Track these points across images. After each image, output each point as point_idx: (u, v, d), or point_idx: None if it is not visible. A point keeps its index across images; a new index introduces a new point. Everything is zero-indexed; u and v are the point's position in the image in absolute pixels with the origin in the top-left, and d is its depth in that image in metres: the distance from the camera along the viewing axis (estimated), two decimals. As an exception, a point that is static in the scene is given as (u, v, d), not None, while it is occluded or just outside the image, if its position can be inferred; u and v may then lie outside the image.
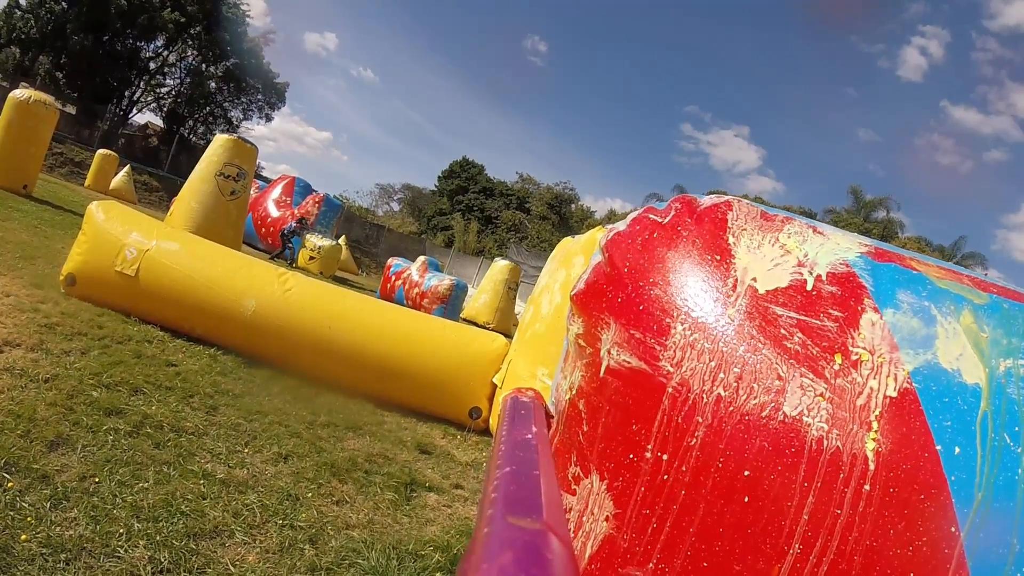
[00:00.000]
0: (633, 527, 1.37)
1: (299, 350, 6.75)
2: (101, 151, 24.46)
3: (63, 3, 42.20)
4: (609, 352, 1.52)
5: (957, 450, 1.21)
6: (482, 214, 58.68)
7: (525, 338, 6.80)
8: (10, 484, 3.06)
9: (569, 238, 7.46)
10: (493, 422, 6.78)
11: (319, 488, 4.25)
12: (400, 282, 19.90)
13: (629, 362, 1.47)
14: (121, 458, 3.75)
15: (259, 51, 53.23)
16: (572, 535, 1.43)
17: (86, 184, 24.20)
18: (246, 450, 4.48)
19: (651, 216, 1.69)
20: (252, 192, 16.74)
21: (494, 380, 6.93)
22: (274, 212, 18.67)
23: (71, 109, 39.38)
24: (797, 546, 1.24)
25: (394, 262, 22.37)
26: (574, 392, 1.58)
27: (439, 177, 65.77)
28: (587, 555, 1.40)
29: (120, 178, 24.02)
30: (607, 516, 1.40)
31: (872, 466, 1.24)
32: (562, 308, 6.29)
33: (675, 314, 1.49)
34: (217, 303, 6.70)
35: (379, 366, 6.84)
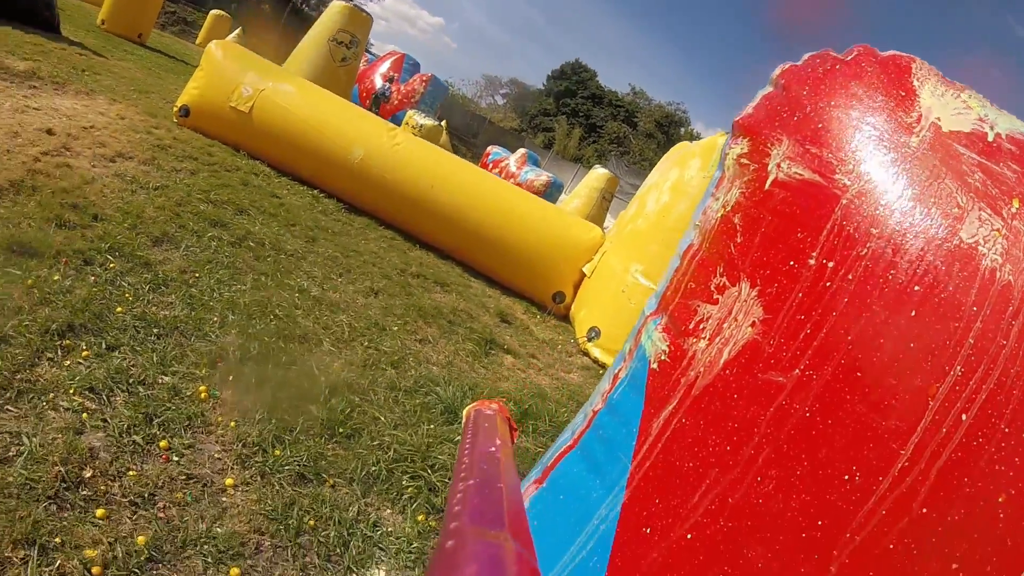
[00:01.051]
0: (782, 333, 1.33)
1: (400, 204, 6.84)
2: (214, 11, 24.73)
3: None
4: (778, 166, 1.46)
5: None
6: (586, 121, 56.95)
7: (624, 233, 6.67)
8: (112, 265, 3.24)
9: (685, 142, 7.20)
10: (574, 312, 6.78)
11: (405, 325, 4.37)
12: (497, 171, 19.81)
13: (801, 174, 1.42)
14: (222, 261, 3.92)
15: None
16: (708, 341, 1.44)
17: (197, 42, 24.61)
18: (340, 280, 4.62)
19: (831, 54, 1.62)
20: (361, 64, 16.70)
21: (584, 269, 6.89)
22: (379, 84, 18.65)
23: None
24: (959, 368, 1.20)
25: (493, 150, 22.21)
26: (728, 208, 1.55)
27: (548, 76, 63.86)
28: (723, 360, 1.39)
29: (231, 39, 24.43)
30: (753, 322, 1.37)
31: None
32: (668, 208, 6.12)
33: (855, 134, 1.42)
34: (326, 147, 6.81)
35: (475, 232, 6.87)
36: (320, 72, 12.81)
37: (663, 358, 1.51)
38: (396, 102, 18.32)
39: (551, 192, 18.68)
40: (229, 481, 2.18)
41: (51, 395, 2.18)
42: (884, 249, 1.30)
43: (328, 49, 13.11)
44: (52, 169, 4.08)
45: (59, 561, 1.63)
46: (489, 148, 22.86)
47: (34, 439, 1.94)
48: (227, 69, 7.07)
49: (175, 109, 7.09)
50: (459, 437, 3.02)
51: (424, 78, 19.24)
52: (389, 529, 2.31)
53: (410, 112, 16.94)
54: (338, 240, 5.54)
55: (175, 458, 2.17)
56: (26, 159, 4.04)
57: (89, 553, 1.68)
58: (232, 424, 2.47)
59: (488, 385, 4.06)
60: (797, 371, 1.31)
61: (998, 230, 1.27)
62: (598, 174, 20.09)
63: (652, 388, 1.51)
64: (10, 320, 2.44)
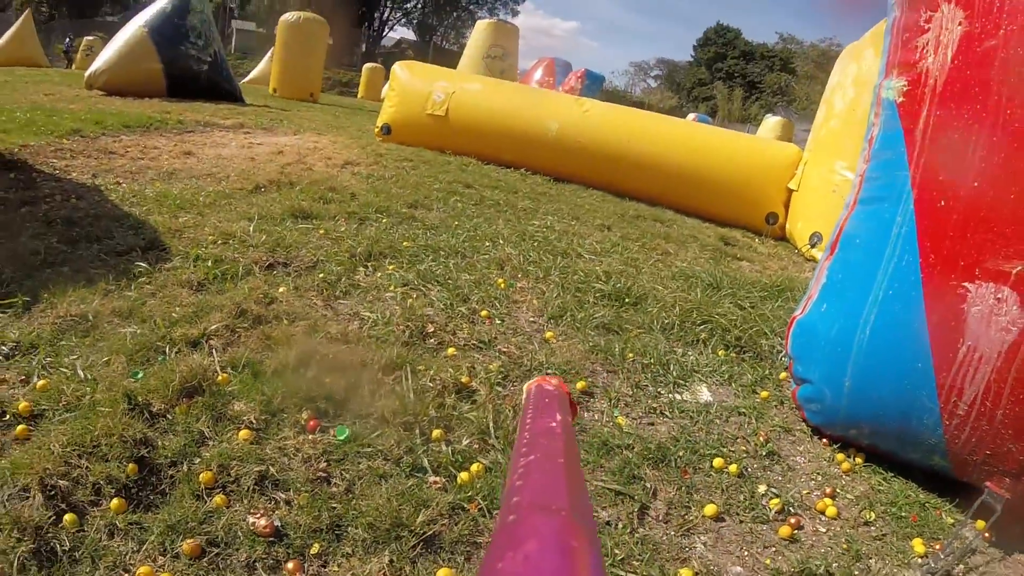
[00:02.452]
0: (981, 15, 1.69)
1: (602, 164, 6.82)
2: (368, 65, 26.43)
3: None
4: None
5: None
6: (744, 80, 54.59)
7: (820, 138, 6.24)
8: (384, 220, 3.43)
9: (853, 43, 6.65)
10: (790, 229, 6.39)
11: (644, 244, 4.25)
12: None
13: None
14: (472, 214, 4.05)
15: None
16: (934, 54, 1.80)
17: (360, 96, 26.41)
18: (573, 222, 4.61)
19: None
20: (517, 77, 17.14)
21: (790, 185, 6.49)
22: (539, 89, 19.02)
23: (329, 40, 43.07)
24: None
25: (663, 120, 21.79)
26: None
27: (694, 47, 62.26)
28: (949, 56, 1.75)
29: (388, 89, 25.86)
30: (959, 20, 1.74)
31: None
32: (856, 101, 5.68)
33: None
34: (523, 128, 6.96)
35: (677, 175, 6.67)
36: (485, 86, 13.20)
37: (904, 89, 1.82)
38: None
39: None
40: (549, 334, 2.21)
41: (375, 291, 2.32)
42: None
43: (485, 65, 13.53)
44: (300, 171, 4.47)
45: (427, 378, 1.67)
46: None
47: (373, 314, 2.03)
48: (415, 83, 7.47)
49: (376, 129, 7.57)
50: (729, 302, 2.91)
51: (578, 74, 19.31)
52: (699, 362, 2.24)
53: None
54: (558, 199, 5.59)
55: (497, 321, 2.21)
56: (273, 168, 4.46)
57: (456, 374, 1.73)
58: (535, 301, 2.48)
59: (731, 274, 3.83)
60: (1001, 31, 1.61)
61: None
62: (772, 123, 18.95)
63: (905, 113, 1.81)
64: (317, 251, 2.61)
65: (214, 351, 1.71)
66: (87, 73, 9.53)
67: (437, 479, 1.38)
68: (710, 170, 6.67)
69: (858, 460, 1.89)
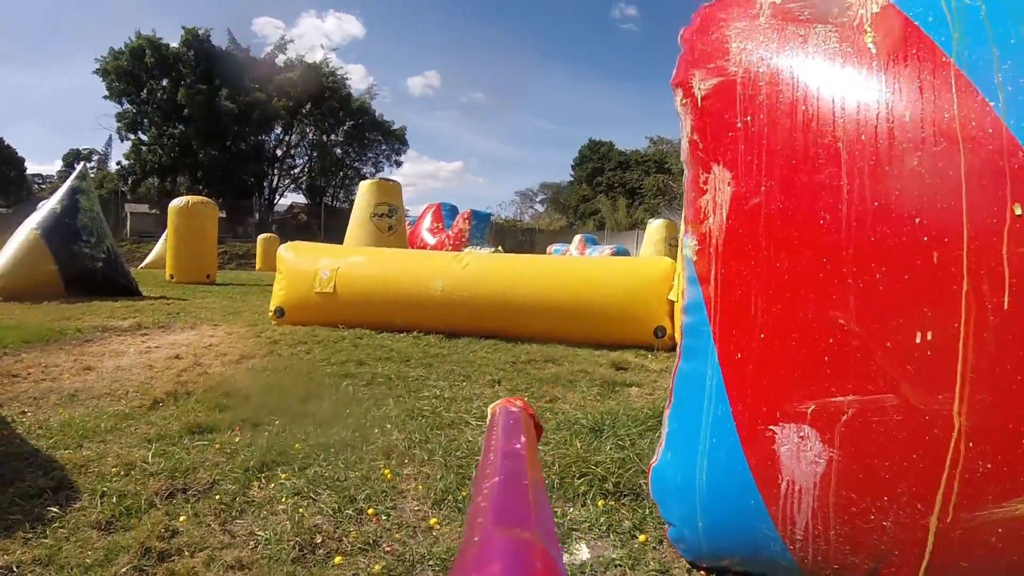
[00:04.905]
0: (745, 173, 1.98)
1: (488, 314, 7.29)
2: (262, 236, 27.01)
3: (180, 126, 47.25)
4: (700, 87, 2.16)
5: (930, 19, 1.75)
6: (624, 188, 58.18)
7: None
8: (277, 422, 3.70)
9: None
10: (678, 337, 6.90)
11: (533, 393, 4.65)
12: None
13: (712, 82, 2.12)
14: (363, 397, 4.36)
15: (369, 107, 56.83)
16: (713, 214, 2.09)
17: (257, 268, 26.71)
18: (464, 383, 4.97)
19: (702, 7, 2.33)
20: (406, 228, 17.94)
21: (670, 297, 7.09)
22: (431, 240, 19.82)
23: (221, 213, 44.08)
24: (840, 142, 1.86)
25: (553, 247, 22.94)
26: (687, 135, 2.25)
27: (572, 166, 66.55)
28: (724, 216, 2.03)
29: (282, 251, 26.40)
30: (728, 181, 2.04)
31: (874, 50, 1.80)
32: None
33: (729, 36, 2.15)
34: (408, 292, 7.43)
35: (561, 310, 7.21)
36: (375, 245, 13.79)
37: (695, 247, 2.12)
38: (451, 247, 19.34)
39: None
40: (433, 521, 2.47)
41: (269, 505, 2.57)
42: (771, 90, 1.95)
43: (373, 225, 14.19)
44: (195, 378, 4.70)
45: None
46: (549, 247, 23.65)
47: (264, 532, 2.30)
48: (301, 264, 7.89)
49: (271, 313, 7.86)
50: (610, 445, 3.27)
51: (465, 215, 20.38)
52: (577, 518, 2.53)
53: (466, 250, 17.90)
54: (450, 359, 5.95)
55: (383, 517, 2.49)
56: (170, 376, 4.68)
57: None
58: (420, 487, 2.78)
59: (622, 409, 4.23)
60: (762, 187, 1.90)
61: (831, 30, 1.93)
62: (655, 226, 20.30)
63: (699, 271, 2.12)
64: (213, 470, 2.87)
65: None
66: None
67: None
68: (591, 299, 7.23)
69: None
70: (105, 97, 48.38)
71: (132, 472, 2.83)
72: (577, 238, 22.16)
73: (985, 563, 1.58)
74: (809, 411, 1.72)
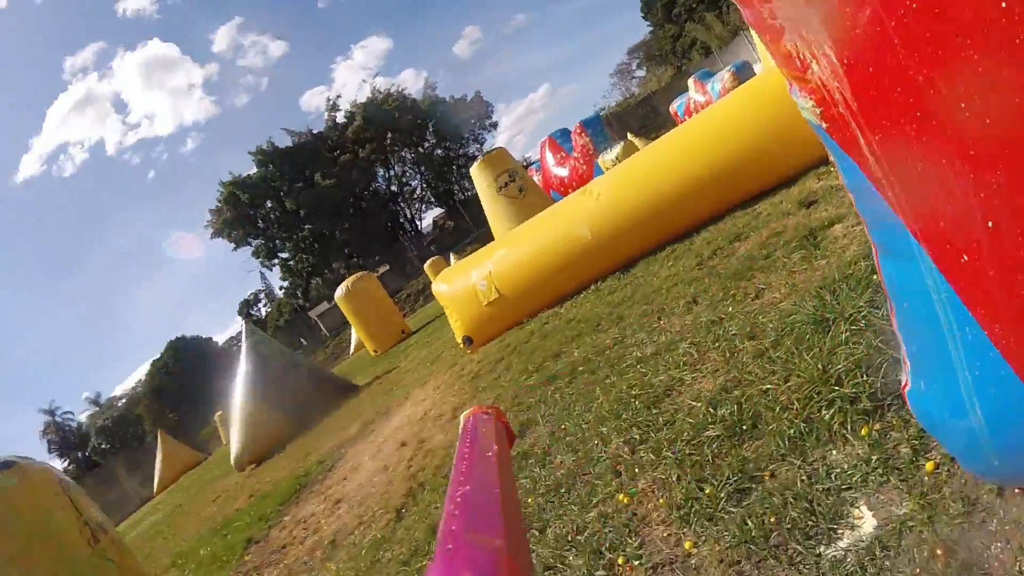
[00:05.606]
0: None
1: (644, 226, 6.89)
2: (428, 262, 28.52)
3: (304, 227, 52.34)
4: None
5: None
6: (704, 3, 54.48)
7: None
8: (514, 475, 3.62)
9: None
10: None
11: (734, 299, 4.21)
12: (703, 96, 19.59)
13: None
14: (571, 400, 4.19)
15: (436, 97, 59.98)
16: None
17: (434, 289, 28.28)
18: (660, 321, 4.65)
19: None
20: (535, 178, 17.72)
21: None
22: (562, 171, 19.40)
23: (384, 268, 47.48)
24: None
25: (674, 105, 21.76)
26: None
27: (643, 16, 62.80)
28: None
29: (454, 264, 27.40)
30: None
31: None
32: None
33: None
34: (562, 254, 7.23)
35: (712, 179, 6.63)
36: (516, 215, 13.69)
37: (816, 110, 1.41)
38: (583, 166, 18.84)
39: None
40: (688, 544, 2.20)
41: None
42: None
43: (504, 198, 14.09)
44: (422, 462, 4.82)
45: None
46: (671, 107, 22.51)
47: None
48: (455, 289, 7.96)
49: (461, 346, 8.00)
50: (844, 337, 2.78)
51: (577, 130, 19.76)
52: (844, 467, 2.12)
53: (599, 160, 17.34)
54: (636, 298, 5.66)
55: (635, 562, 2.26)
56: (402, 473, 4.85)
57: None
58: (661, 501, 2.53)
59: (839, 268, 3.68)
60: None
61: None
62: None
63: (840, 140, 1.40)
64: None
65: None
66: (232, 460, 10.80)
67: None
68: (737, 148, 6.61)
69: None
70: (233, 248, 54.08)
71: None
72: (690, 82, 20.73)
73: None
74: None
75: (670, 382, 3.53)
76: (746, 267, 4.60)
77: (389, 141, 56.20)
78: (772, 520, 2.07)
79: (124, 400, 72.37)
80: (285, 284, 57.38)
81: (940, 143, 1.16)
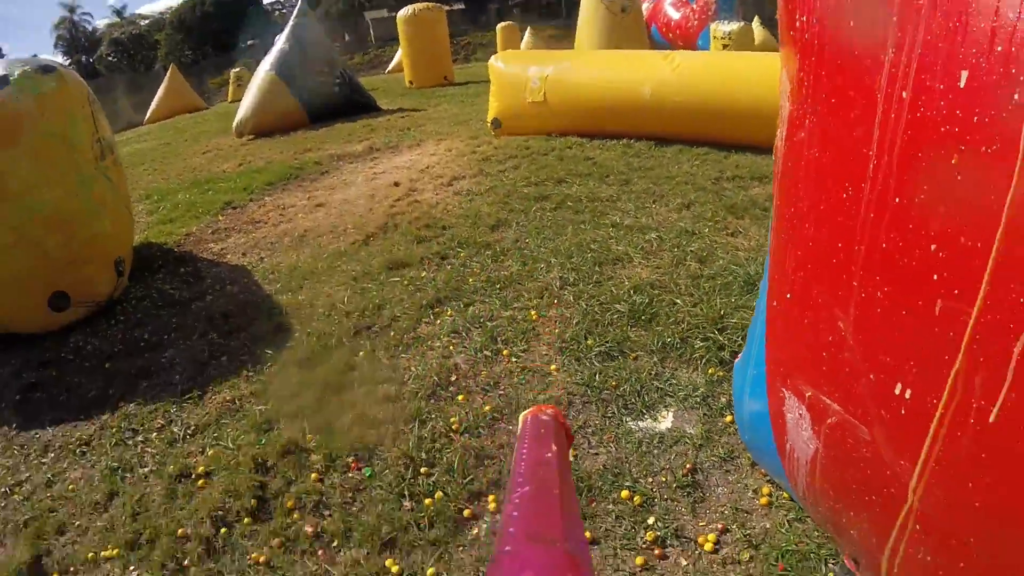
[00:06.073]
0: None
1: (701, 119, 7.19)
2: (500, 24, 27.17)
3: None
4: None
5: None
6: None
7: None
8: (462, 254, 4.35)
9: None
10: None
11: (715, 224, 4.78)
12: None
13: None
14: (546, 225, 4.84)
15: None
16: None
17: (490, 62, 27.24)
18: (654, 205, 5.23)
19: None
20: (644, 6, 17.08)
21: None
22: (675, 15, 18.68)
23: (460, 5, 45.13)
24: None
25: None
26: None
27: None
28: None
29: (526, 41, 26.40)
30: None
31: None
32: None
33: None
34: (617, 97, 7.51)
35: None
36: (609, 32, 13.54)
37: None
38: (696, 23, 18.23)
39: None
40: (553, 367, 2.99)
41: (428, 341, 3.26)
42: None
43: (604, 8, 13.83)
44: (405, 207, 5.51)
45: (431, 425, 2.60)
46: None
47: (417, 368, 3.00)
48: (511, 74, 8.27)
49: (489, 123, 8.48)
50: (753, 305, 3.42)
51: (707, -19, 18.73)
52: (681, 382, 2.86)
53: (713, 26, 16.78)
54: (651, 174, 6.14)
55: (513, 359, 3.06)
56: (385, 209, 5.54)
57: (452, 420, 2.64)
58: (556, 330, 3.29)
59: None
60: (807, 121, 1.47)
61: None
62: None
63: (775, 151, 1.73)
64: (396, 307, 3.62)
65: (306, 427, 2.75)
66: (235, 123, 11.19)
67: (409, 503, 2.31)
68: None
69: (785, 495, 2.16)
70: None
71: (333, 313, 3.68)
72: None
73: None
74: (807, 396, 1.57)
75: (622, 255, 4.20)
76: (744, 207, 5.12)
77: None
78: (613, 384, 2.85)
79: (148, 21, 70.45)
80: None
81: (789, 231, 1.61)
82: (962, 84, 1.05)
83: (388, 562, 2.06)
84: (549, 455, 0.84)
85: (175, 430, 2.83)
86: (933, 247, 1.15)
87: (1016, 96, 0.96)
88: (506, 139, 7.99)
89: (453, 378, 2.95)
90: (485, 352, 3.13)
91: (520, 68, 8.25)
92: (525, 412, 1.06)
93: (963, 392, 1.15)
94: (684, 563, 2.02)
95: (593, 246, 4.37)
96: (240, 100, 11.94)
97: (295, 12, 12.20)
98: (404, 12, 16.78)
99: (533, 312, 3.49)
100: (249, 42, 47.97)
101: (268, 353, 3.30)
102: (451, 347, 3.20)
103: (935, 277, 1.16)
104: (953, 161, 1.08)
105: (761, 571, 1.96)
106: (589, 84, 7.71)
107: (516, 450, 0.90)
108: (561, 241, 4.49)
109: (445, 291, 3.80)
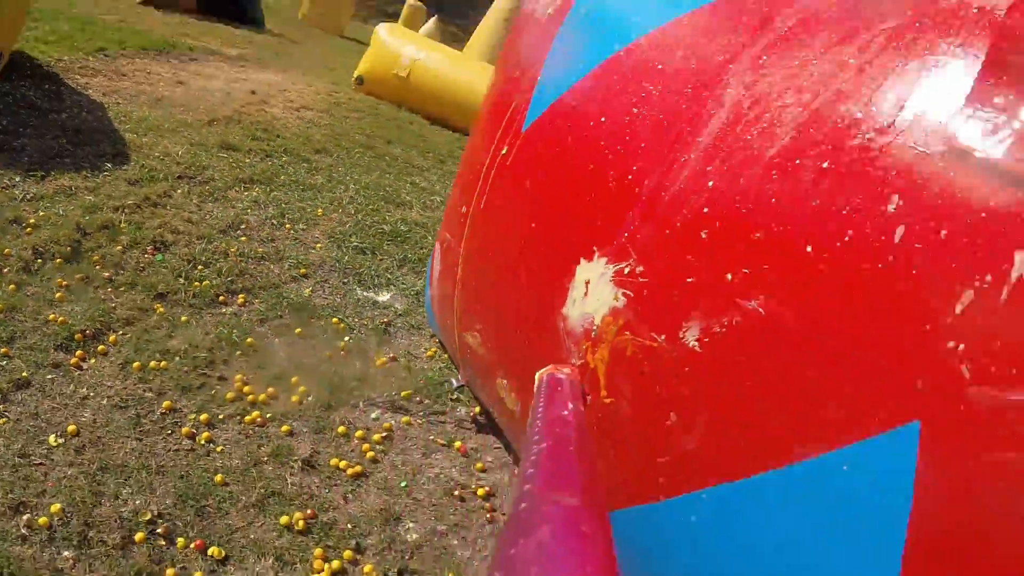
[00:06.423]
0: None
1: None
2: (410, 2, 27.96)
3: None
4: None
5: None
6: None
7: None
8: (284, 159, 5.40)
9: None
10: None
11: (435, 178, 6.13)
12: None
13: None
14: (359, 164, 5.99)
15: None
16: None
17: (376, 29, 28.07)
18: (449, 179, 6.51)
19: None
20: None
21: None
22: None
23: None
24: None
25: None
26: None
27: None
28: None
29: (428, 28, 27.14)
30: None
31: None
32: None
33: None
34: (465, 97, 8.80)
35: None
36: (498, 47, 14.81)
37: None
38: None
39: None
40: (319, 245, 4.14)
41: (234, 201, 4.30)
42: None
43: (504, 27, 15.10)
44: (253, 112, 6.44)
45: (215, 244, 3.66)
46: None
47: (218, 213, 4.04)
48: (391, 45, 9.36)
49: (353, 79, 9.48)
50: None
51: None
52: (406, 282, 4.11)
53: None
54: (435, 152, 7.44)
55: (292, 231, 4.18)
56: (236, 106, 6.45)
57: (232, 247, 3.71)
58: (332, 225, 4.44)
59: None
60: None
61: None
62: None
63: None
64: (217, 172, 4.62)
65: (122, 219, 3.71)
66: None
67: (183, 281, 3.39)
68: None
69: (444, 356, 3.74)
70: None
71: (166, 159, 4.60)
72: None
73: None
74: (443, 240, 2.43)
75: (406, 202, 5.42)
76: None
77: None
78: (357, 266, 4.05)
79: None
80: None
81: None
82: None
83: (157, 307, 3.10)
84: (565, 412, 0.85)
85: (16, 192, 3.67)
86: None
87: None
88: (363, 97, 9.05)
89: (243, 227, 4.02)
90: (272, 221, 4.23)
91: (399, 44, 9.36)
92: (541, 371, 1.07)
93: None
94: (358, 366, 3.22)
95: (388, 189, 5.57)
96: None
97: None
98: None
99: (320, 210, 4.63)
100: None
101: (107, 166, 4.19)
102: (248, 210, 4.26)
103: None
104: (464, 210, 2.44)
105: (413, 383, 3.18)
106: (447, 78, 8.96)
107: (532, 408, 0.91)
108: (365, 178, 5.65)
109: (259, 177, 4.83)
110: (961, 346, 0.95)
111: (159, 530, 2.02)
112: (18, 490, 1.98)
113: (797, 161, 1.19)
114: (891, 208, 1.06)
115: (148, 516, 2.04)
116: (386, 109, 8.77)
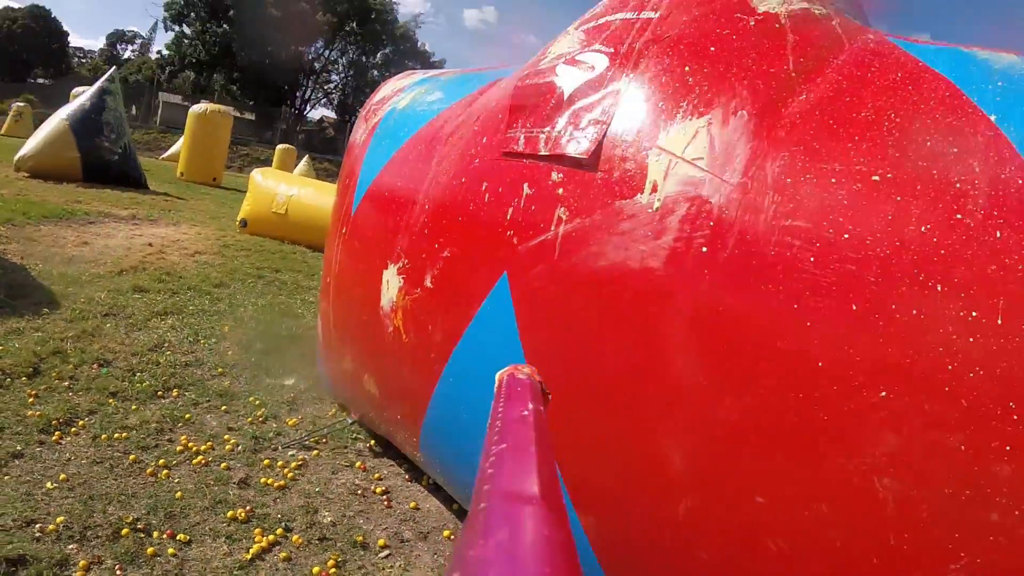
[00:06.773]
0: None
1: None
2: (280, 146, 29.90)
3: (224, 25, 51.07)
4: None
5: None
6: None
7: None
8: (187, 294, 6.46)
9: None
10: None
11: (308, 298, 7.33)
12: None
13: None
14: (254, 291, 7.09)
15: (413, 35, 61.13)
16: None
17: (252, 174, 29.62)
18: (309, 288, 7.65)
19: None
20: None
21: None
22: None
23: (250, 116, 47.92)
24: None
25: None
26: None
27: None
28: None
29: (301, 167, 28.67)
30: None
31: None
32: None
33: None
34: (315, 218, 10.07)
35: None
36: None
37: None
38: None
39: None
40: (230, 352, 5.18)
41: (155, 329, 5.31)
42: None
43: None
44: (154, 260, 7.48)
45: (148, 356, 4.69)
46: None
47: (145, 338, 5.05)
48: (266, 186, 10.64)
49: (237, 222, 10.63)
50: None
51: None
52: (305, 370, 5.18)
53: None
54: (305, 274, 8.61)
55: (207, 345, 5.21)
56: (139, 257, 7.48)
57: (160, 359, 4.74)
58: (238, 337, 5.49)
59: None
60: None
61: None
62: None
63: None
64: (135, 310, 5.62)
65: (68, 346, 4.66)
66: (16, 157, 12.30)
67: (126, 383, 4.38)
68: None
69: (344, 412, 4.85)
70: (153, -25, 51.82)
71: (91, 302, 5.58)
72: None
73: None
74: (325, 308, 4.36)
75: (300, 314, 6.53)
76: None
77: (348, 29, 56.15)
78: (265, 363, 5.10)
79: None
80: (165, 53, 54.93)
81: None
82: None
83: (111, 401, 4.07)
84: (525, 412, 0.85)
85: (-27, 339, 4.60)
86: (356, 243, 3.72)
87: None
88: (248, 237, 10.20)
89: (166, 345, 5.03)
90: (189, 339, 5.26)
91: (274, 184, 10.65)
92: (501, 371, 1.07)
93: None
94: (275, 426, 4.23)
95: (282, 305, 6.69)
96: (13, 135, 12.91)
97: (107, 76, 13.73)
98: (197, 108, 18.68)
99: (227, 327, 5.69)
100: (40, 80, 46.13)
101: (44, 311, 5.15)
102: (168, 333, 5.28)
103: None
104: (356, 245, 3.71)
105: (319, 433, 4.22)
106: (322, 208, 10.23)
107: (492, 408, 0.92)
108: (261, 300, 6.75)
109: (171, 309, 5.87)
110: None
111: (139, 526, 2.99)
112: (28, 511, 2.91)
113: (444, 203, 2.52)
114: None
115: (130, 518, 3.02)
116: (270, 244, 9.94)
